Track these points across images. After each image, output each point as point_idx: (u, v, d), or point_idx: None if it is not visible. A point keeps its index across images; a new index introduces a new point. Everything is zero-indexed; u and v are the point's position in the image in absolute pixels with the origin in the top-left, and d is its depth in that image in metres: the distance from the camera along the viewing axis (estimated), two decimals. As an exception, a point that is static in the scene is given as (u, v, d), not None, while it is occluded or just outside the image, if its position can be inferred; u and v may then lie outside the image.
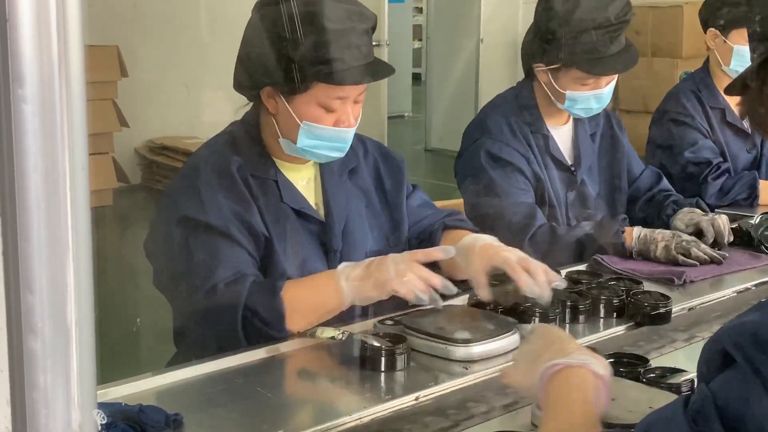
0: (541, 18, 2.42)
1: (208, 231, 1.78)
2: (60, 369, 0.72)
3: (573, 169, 2.56)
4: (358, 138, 2.03)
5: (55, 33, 0.68)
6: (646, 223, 2.61)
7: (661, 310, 1.90)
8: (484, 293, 1.81)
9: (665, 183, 2.72)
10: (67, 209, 0.71)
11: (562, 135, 2.57)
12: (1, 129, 0.69)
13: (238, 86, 1.92)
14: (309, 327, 1.73)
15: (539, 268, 1.78)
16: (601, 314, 1.92)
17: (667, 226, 2.51)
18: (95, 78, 6.24)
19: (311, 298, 1.75)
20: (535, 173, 2.47)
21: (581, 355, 1.22)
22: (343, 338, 1.66)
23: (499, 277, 1.83)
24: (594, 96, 2.43)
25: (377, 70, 1.85)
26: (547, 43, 2.40)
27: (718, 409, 0.93)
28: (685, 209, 2.52)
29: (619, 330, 1.87)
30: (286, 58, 1.77)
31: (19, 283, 0.71)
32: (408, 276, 1.70)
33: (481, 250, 1.83)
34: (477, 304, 1.87)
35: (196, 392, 1.56)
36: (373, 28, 1.86)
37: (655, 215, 2.62)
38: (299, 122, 1.83)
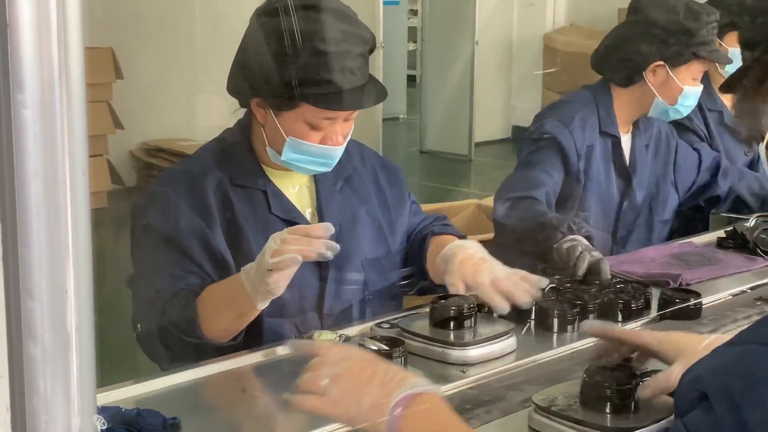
0: (662, 14, 2.49)
1: (164, 240, 1.78)
2: (60, 374, 0.72)
3: (631, 177, 2.61)
4: (356, 145, 2.02)
5: (55, 39, 0.68)
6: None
7: (692, 304, 1.97)
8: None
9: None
10: (67, 214, 0.71)
11: (624, 143, 2.63)
12: (2, 134, 0.69)
13: (232, 91, 1.90)
14: (228, 332, 1.70)
15: (516, 286, 1.79)
16: (615, 316, 1.92)
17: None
18: (90, 80, 6.14)
19: (222, 302, 1.70)
20: (579, 173, 2.49)
21: (418, 380, 1.18)
22: (340, 342, 1.66)
23: None
24: (695, 93, 2.58)
25: (368, 96, 1.80)
26: (672, 38, 2.48)
27: None
28: None
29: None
30: (277, 73, 1.75)
31: (19, 289, 0.71)
32: (284, 253, 1.56)
33: (460, 265, 1.83)
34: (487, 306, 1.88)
35: (193, 396, 1.56)
36: (371, 50, 1.82)
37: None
38: (285, 137, 1.81)
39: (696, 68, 2.53)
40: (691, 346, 1.35)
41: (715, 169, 2.82)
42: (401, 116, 11.25)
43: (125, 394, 1.51)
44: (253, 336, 1.78)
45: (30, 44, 0.67)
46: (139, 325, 1.79)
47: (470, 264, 1.84)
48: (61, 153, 0.70)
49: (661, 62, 2.51)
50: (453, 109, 9.08)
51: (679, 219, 2.84)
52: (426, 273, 2.00)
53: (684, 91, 2.53)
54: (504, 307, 1.79)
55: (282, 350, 1.72)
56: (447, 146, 9.10)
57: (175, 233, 1.77)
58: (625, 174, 2.61)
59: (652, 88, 2.53)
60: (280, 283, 1.59)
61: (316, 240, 1.59)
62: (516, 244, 2.28)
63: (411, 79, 11.87)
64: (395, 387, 1.15)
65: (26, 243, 0.70)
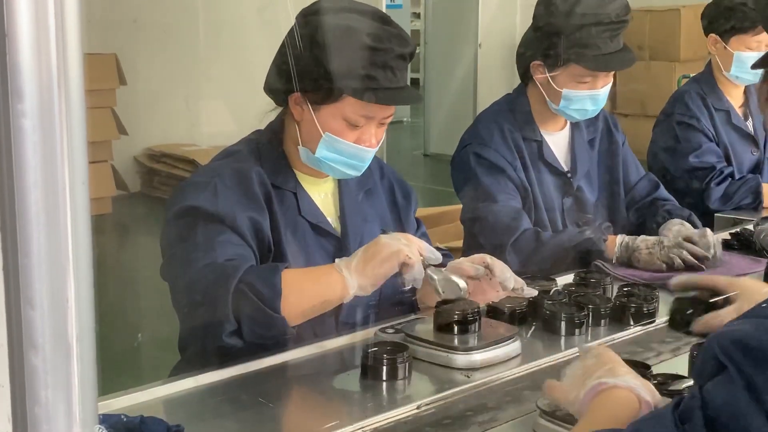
0: (542, 15, 2.43)
1: (216, 220, 1.75)
2: (61, 384, 0.72)
3: (569, 175, 2.56)
4: (376, 160, 2.04)
5: (54, 48, 0.67)
6: (641, 230, 2.61)
7: None
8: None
9: (662, 191, 2.70)
10: (67, 224, 0.71)
11: (557, 141, 2.58)
12: (1, 144, 0.69)
13: (269, 89, 1.92)
14: (303, 317, 1.70)
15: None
16: (627, 320, 1.92)
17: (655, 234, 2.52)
18: (93, 86, 6.25)
19: (311, 284, 1.72)
20: (522, 182, 2.47)
21: (631, 379, 1.23)
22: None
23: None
24: (590, 97, 2.43)
25: (407, 96, 1.89)
26: (547, 40, 2.41)
27: (705, 413, 0.97)
28: (675, 221, 2.47)
29: (616, 337, 1.87)
30: (321, 66, 1.78)
31: (20, 298, 0.71)
32: (414, 246, 1.71)
33: (455, 262, 1.88)
34: (492, 310, 1.88)
35: (197, 403, 1.56)
36: (411, 55, 1.86)
37: (648, 222, 2.61)
38: (322, 133, 1.83)
39: (579, 72, 2.39)
40: (752, 289, 1.48)
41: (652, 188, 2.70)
42: (405, 119, 11.26)
43: (129, 401, 1.51)
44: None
45: (29, 53, 0.67)
46: (190, 303, 1.71)
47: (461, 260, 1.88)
48: (60, 162, 0.70)
49: (539, 62, 2.45)
50: (456, 112, 9.08)
51: None
52: (416, 301, 2.01)
53: (564, 93, 2.42)
54: (506, 271, 1.84)
55: (286, 356, 1.72)
56: (451, 149, 8.92)
57: (229, 216, 1.75)
58: (559, 172, 2.55)
59: (540, 87, 2.48)
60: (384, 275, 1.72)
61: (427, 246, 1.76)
62: (553, 267, 2.31)
63: (414, 83, 11.86)
64: (598, 377, 1.23)
65: (26, 253, 0.70)
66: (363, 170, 1.91)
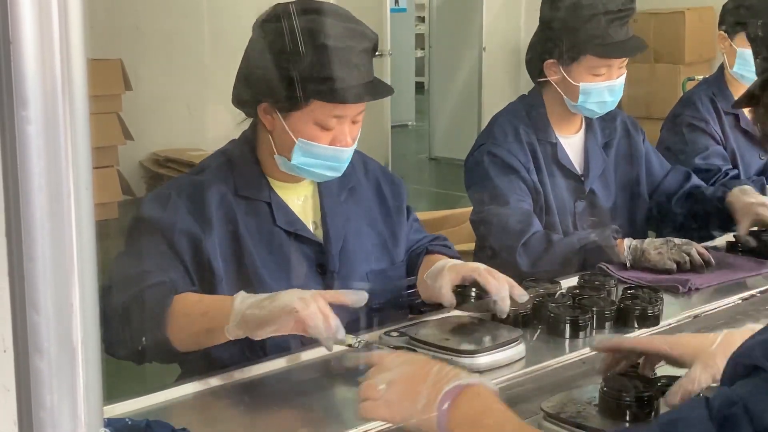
0: (549, 12, 2.44)
1: (157, 232, 1.76)
2: (66, 388, 0.73)
3: (582, 178, 2.56)
4: (360, 156, 2.02)
5: (58, 56, 0.68)
6: (688, 220, 2.63)
7: None
8: (450, 302, 1.83)
9: (696, 180, 2.71)
10: (71, 229, 0.71)
11: (572, 144, 2.58)
12: (6, 149, 0.70)
13: (237, 101, 1.90)
14: (191, 341, 1.66)
15: (504, 278, 1.82)
16: (630, 322, 1.93)
17: (720, 211, 2.55)
18: (99, 91, 6.26)
19: (199, 308, 1.65)
20: (534, 184, 2.47)
21: (467, 375, 1.22)
22: (359, 347, 1.64)
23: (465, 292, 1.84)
24: (607, 88, 2.44)
25: (375, 90, 1.83)
26: (557, 36, 2.42)
27: (750, 418, 0.93)
28: (741, 187, 2.51)
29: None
30: (284, 74, 1.75)
31: (25, 303, 0.71)
32: (312, 306, 1.54)
33: (450, 267, 1.86)
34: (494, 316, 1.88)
35: (202, 407, 1.56)
36: (374, 48, 1.83)
37: (701, 206, 2.61)
38: (295, 139, 1.81)
39: (594, 63, 2.40)
40: (705, 346, 1.39)
41: (684, 181, 2.68)
42: (410, 123, 11.26)
43: (134, 406, 1.51)
44: (258, 346, 1.78)
45: (33, 61, 0.68)
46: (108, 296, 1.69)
47: (460, 265, 1.87)
48: (65, 168, 0.70)
49: (552, 60, 2.45)
50: (461, 116, 9.08)
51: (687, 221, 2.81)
52: (421, 304, 2.00)
53: (582, 87, 2.42)
54: (501, 291, 1.78)
55: (290, 360, 1.72)
56: (455, 153, 9.07)
57: (168, 228, 1.76)
58: (573, 175, 2.55)
59: (555, 86, 2.48)
60: (267, 335, 1.57)
61: (334, 321, 1.56)
62: (562, 270, 2.31)
63: (419, 86, 11.88)
64: (444, 383, 1.19)
65: (31, 257, 0.71)
66: (343, 170, 1.88)
